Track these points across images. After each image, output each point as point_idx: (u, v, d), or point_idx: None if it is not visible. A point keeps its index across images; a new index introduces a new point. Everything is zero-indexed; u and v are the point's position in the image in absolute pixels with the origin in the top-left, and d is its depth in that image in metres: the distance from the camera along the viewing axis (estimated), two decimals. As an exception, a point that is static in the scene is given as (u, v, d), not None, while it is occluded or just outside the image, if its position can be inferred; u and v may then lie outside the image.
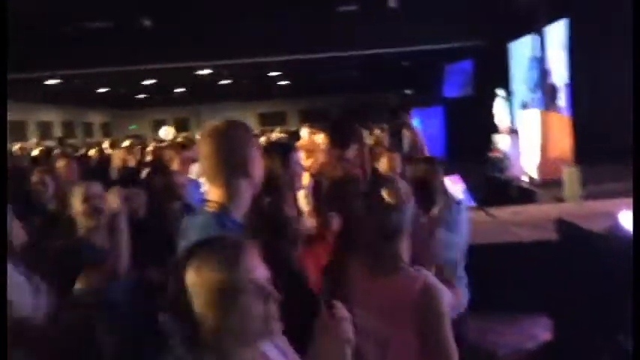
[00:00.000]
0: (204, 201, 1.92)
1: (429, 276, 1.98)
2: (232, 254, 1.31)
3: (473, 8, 10.13)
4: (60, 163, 4.94)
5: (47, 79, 16.39)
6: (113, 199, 2.94)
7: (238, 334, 1.30)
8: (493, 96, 11.12)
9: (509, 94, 11.20)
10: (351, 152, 3.45)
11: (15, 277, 2.40)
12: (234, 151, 1.83)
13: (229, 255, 1.31)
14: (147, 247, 3.02)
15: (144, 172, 5.53)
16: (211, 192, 1.87)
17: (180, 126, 29.84)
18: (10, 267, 2.39)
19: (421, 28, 10.95)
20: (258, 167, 1.89)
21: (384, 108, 25.84)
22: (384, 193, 2.00)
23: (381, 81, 23.17)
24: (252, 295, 1.29)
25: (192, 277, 1.30)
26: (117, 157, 8.08)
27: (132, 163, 8.04)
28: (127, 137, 19.53)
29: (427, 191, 2.91)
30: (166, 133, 11.73)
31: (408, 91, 23.92)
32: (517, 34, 10.52)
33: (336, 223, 2.92)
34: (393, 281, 1.98)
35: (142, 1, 8.78)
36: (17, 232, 2.55)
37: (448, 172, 4.63)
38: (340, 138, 3.51)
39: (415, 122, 14.60)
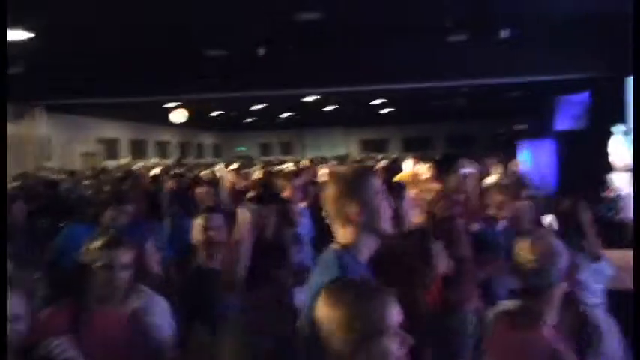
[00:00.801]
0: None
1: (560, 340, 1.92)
2: (374, 297, 1.39)
3: (590, 39, 9.74)
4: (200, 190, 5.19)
5: (166, 102, 17.58)
6: (243, 218, 3.05)
7: None
8: (609, 131, 10.53)
9: (627, 130, 10.57)
10: (454, 185, 3.43)
11: (159, 302, 2.61)
12: (359, 197, 1.88)
13: (370, 297, 1.39)
14: (262, 268, 3.16)
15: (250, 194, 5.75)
16: (337, 231, 1.93)
17: (285, 149, 30.76)
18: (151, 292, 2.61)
19: (534, 58, 10.66)
20: (382, 213, 1.90)
21: (492, 139, 25.22)
22: (523, 248, 1.99)
23: (489, 111, 22.65)
24: (391, 338, 1.37)
25: (328, 313, 1.39)
26: (227, 180, 8.47)
27: (240, 185, 8.39)
28: (235, 158, 20.49)
29: (574, 228, 2.83)
30: (178, 116, 11.18)
31: (518, 123, 23.18)
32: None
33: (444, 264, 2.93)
34: (531, 338, 1.95)
35: (256, 33, 9.25)
36: (153, 262, 2.76)
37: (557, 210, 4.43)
38: (444, 171, 3.50)
39: (524, 155, 14.14)
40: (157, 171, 10.09)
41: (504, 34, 9.16)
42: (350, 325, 1.35)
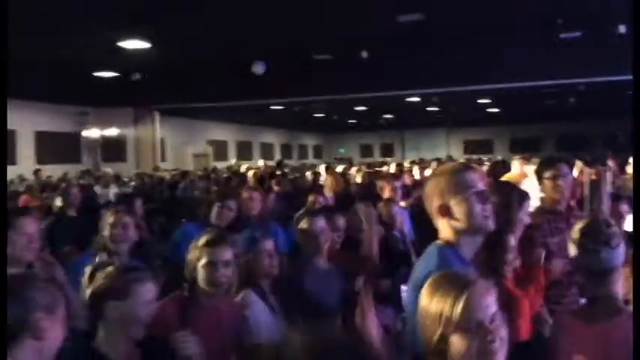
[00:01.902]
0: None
1: None
2: (472, 289, 1.40)
3: None
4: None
5: (272, 105, 18.16)
6: (369, 212, 3.08)
7: None
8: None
9: None
10: (549, 187, 3.28)
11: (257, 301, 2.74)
12: (462, 193, 1.87)
13: (459, 290, 1.40)
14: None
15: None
16: (441, 227, 1.94)
17: (385, 151, 30.68)
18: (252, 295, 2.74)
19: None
20: (463, 212, 1.87)
21: (607, 140, 23.68)
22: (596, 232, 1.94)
23: (604, 110, 21.29)
24: (473, 333, 1.36)
25: (427, 304, 1.43)
26: (329, 180, 8.60)
27: (341, 186, 8.47)
28: (336, 160, 20.77)
29: None
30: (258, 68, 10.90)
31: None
32: None
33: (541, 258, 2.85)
34: (612, 326, 1.88)
35: (359, 36, 9.33)
36: (272, 263, 2.85)
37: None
38: (541, 172, 3.35)
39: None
40: (262, 172, 10.43)
41: (622, 29, 8.59)
42: (447, 316, 1.37)
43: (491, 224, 1.90)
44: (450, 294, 1.39)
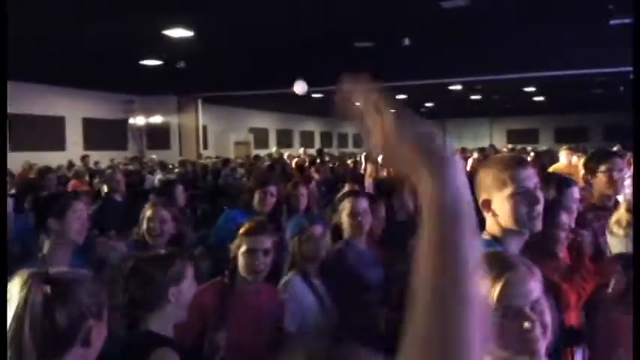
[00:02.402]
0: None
1: None
2: (503, 274, 1.37)
3: None
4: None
5: (312, 94, 18.17)
6: None
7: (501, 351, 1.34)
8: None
9: None
10: (601, 181, 3.15)
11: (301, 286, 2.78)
12: (501, 190, 1.83)
13: (498, 273, 1.37)
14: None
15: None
16: (488, 221, 1.90)
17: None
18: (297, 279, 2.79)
19: None
20: (504, 207, 1.83)
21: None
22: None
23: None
24: (509, 317, 1.34)
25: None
26: (369, 168, 8.58)
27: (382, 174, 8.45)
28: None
29: None
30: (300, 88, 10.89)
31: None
32: None
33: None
34: None
35: (403, 24, 9.22)
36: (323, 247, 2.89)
37: None
38: (591, 165, 3.23)
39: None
40: (302, 159, 10.47)
41: (677, 14, 8.24)
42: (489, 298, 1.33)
43: (538, 225, 1.85)
44: (488, 277, 1.35)
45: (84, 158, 12.95)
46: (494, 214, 1.84)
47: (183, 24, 8.80)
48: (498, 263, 1.41)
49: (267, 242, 2.58)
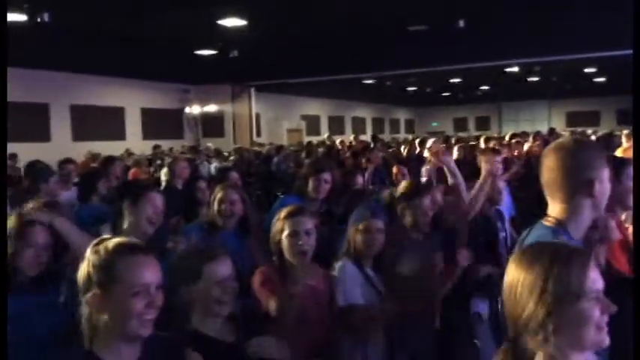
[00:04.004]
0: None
1: None
2: (572, 259, 1.35)
3: None
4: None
5: (364, 79, 18.07)
6: None
7: (572, 340, 1.33)
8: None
9: None
10: None
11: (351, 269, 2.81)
12: (579, 170, 1.80)
13: (567, 259, 1.35)
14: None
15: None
16: (551, 207, 1.87)
17: (481, 124, 29.71)
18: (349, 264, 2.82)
19: None
20: (604, 189, 1.81)
21: None
22: None
23: None
24: (593, 303, 1.32)
25: (519, 275, 1.37)
26: (431, 154, 8.46)
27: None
28: (430, 134, 20.37)
29: None
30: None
31: None
32: None
33: None
34: None
35: (457, 5, 9.02)
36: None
37: None
38: None
39: None
40: (357, 146, 10.45)
41: None
42: (543, 287, 1.31)
43: (603, 208, 1.86)
44: (550, 262, 1.34)
45: (155, 147, 13.10)
46: (590, 195, 1.80)
47: (237, 13, 8.90)
48: (555, 251, 1.39)
49: (309, 223, 2.60)
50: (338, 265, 2.84)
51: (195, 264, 2.03)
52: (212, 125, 17.74)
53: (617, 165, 2.56)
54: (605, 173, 1.82)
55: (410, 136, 19.81)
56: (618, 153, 6.95)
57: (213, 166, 9.23)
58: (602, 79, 20.89)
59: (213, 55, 12.03)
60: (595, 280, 1.34)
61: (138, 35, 9.90)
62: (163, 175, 6.22)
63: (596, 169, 1.80)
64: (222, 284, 2.00)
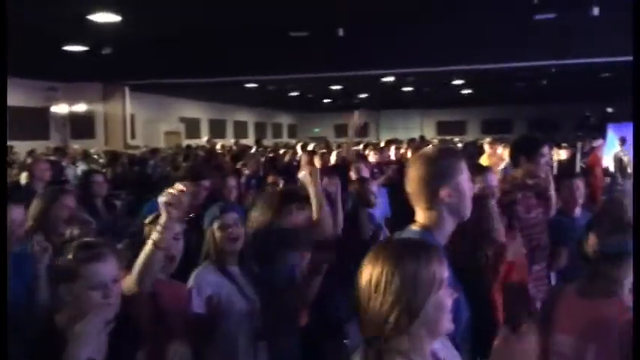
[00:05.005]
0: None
1: None
2: (432, 254, 1.43)
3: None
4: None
5: (246, 83, 17.92)
6: None
7: (429, 328, 1.39)
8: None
9: None
10: (532, 166, 3.33)
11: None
12: (433, 178, 1.86)
13: (426, 253, 1.42)
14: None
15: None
16: (417, 212, 1.93)
17: (361, 131, 30.65)
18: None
19: (625, 37, 9.99)
20: (459, 195, 1.87)
21: (578, 122, 24.06)
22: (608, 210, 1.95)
23: (576, 93, 21.58)
24: (445, 291, 1.40)
25: (372, 272, 1.41)
26: (304, 159, 8.54)
27: (318, 165, 8.43)
28: (312, 139, 20.67)
29: None
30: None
31: (607, 105, 22.04)
32: None
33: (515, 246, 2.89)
34: (602, 304, 1.90)
35: (338, 14, 9.20)
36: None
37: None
38: (525, 151, 3.41)
39: (610, 138, 13.39)
40: (236, 151, 10.30)
41: (595, 11, 8.63)
42: (391, 281, 1.36)
43: (469, 211, 1.93)
44: (403, 257, 1.40)
45: (10, 149, 12.17)
46: (442, 203, 1.86)
47: (110, 8, 8.44)
48: (405, 248, 1.45)
49: (177, 227, 2.48)
50: (196, 272, 2.74)
51: (74, 263, 1.84)
52: (82, 126, 16.69)
53: (478, 172, 2.70)
54: (461, 180, 1.88)
55: (293, 141, 19.98)
56: (482, 160, 7.44)
57: (80, 168, 8.64)
58: (468, 91, 22.40)
59: (83, 51, 11.34)
60: (443, 271, 1.41)
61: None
62: (24, 178, 5.81)
63: (449, 176, 1.86)
64: (102, 287, 1.83)
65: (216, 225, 2.77)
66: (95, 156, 11.21)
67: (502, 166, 6.16)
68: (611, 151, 12.62)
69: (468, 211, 1.91)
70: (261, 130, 28.27)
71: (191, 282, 2.69)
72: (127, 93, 16.83)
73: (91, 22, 8.90)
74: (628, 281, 1.91)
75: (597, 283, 1.98)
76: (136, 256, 2.34)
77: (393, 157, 9.00)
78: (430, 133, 27.67)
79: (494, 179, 3.30)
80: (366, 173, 5.18)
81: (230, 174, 5.25)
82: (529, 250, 3.19)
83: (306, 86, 20.09)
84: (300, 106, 28.88)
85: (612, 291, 1.91)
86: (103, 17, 8.73)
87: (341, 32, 9.67)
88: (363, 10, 8.91)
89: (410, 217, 1.96)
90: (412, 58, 12.74)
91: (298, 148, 9.78)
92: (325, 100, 25.79)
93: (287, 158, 9.55)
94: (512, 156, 3.56)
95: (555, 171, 4.35)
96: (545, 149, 3.38)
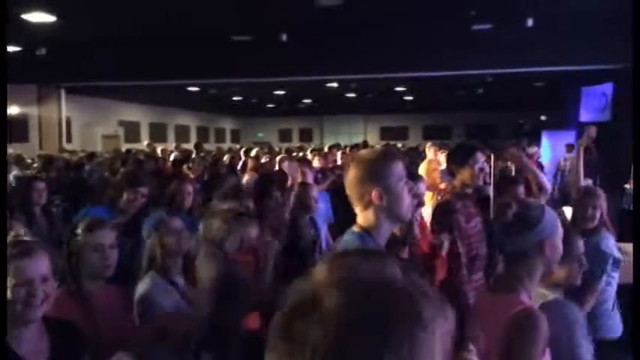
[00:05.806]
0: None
1: (534, 305, 1.92)
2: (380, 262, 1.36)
3: (614, 29, 9.55)
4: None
5: (188, 86, 17.65)
6: None
7: None
8: (633, 122, 10.32)
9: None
10: (467, 173, 3.44)
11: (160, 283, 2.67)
12: (366, 180, 1.88)
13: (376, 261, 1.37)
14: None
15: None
16: (357, 214, 1.95)
17: (304, 136, 30.74)
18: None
19: (558, 48, 10.47)
20: (393, 197, 1.88)
21: (513, 129, 24.96)
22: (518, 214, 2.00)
23: (512, 101, 22.39)
24: None
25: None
26: (249, 164, 8.49)
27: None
28: (255, 144, 20.56)
29: None
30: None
31: (540, 113, 23.01)
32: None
33: (446, 244, 3.01)
34: (501, 299, 1.96)
35: (280, 19, 9.21)
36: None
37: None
38: (458, 159, 3.51)
39: (545, 145, 13.97)
40: (179, 155, 10.11)
41: (529, 23, 9.00)
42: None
43: (408, 212, 1.97)
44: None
45: None
46: (379, 205, 1.87)
47: (45, 8, 8.15)
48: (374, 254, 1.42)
49: (112, 236, 2.46)
50: (141, 282, 2.67)
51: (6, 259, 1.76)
52: (15, 129, 15.97)
53: (413, 178, 2.79)
54: (393, 182, 1.89)
55: (237, 146, 19.79)
56: (423, 164, 7.60)
57: (13, 174, 8.27)
58: (410, 98, 22.84)
59: (16, 52, 10.90)
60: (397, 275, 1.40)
61: None
62: None
63: (382, 178, 1.88)
64: (28, 284, 1.74)
65: (161, 230, 2.71)
66: (29, 160, 10.73)
67: (442, 167, 6.33)
68: (547, 157, 13.17)
69: (405, 213, 1.93)
70: (203, 134, 27.88)
71: (138, 292, 2.62)
72: (62, 95, 16.23)
73: (26, 21, 8.58)
74: (530, 279, 1.97)
75: (503, 279, 2.05)
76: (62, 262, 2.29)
77: (339, 161, 9.06)
78: (374, 138, 28.05)
79: (424, 187, 3.50)
80: (310, 178, 5.19)
81: (185, 179, 5.18)
82: (468, 259, 3.27)
83: (249, 91, 19.98)
84: (243, 111, 28.68)
85: (512, 287, 1.95)
86: (37, 17, 8.43)
87: (284, 37, 9.70)
88: (306, 17, 8.97)
89: (353, 222, 1.98)
90: (355, 64, 12.88)
91: (241, 152, 9.70)
92: (269, 105, 25.72)
93: (228, 162, 9.45)
94: (448, 165, 3.67)
95: (495, 178, 4.50)
96: (479, 155, 3.47)
